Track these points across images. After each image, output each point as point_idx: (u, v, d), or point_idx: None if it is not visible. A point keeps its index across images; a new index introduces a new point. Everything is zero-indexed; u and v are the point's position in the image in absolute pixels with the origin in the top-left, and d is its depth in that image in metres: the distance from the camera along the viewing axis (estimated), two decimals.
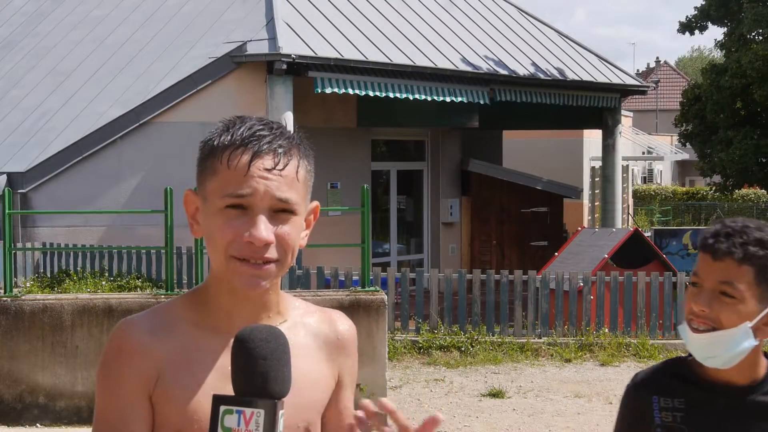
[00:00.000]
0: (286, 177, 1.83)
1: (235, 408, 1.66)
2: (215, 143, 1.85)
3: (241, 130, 1.84)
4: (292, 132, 1.91)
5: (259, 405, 1.66)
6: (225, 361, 1.80)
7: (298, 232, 1.86)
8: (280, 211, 1.83)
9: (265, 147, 1.82)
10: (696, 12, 23.27)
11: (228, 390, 1.74)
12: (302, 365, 1.87)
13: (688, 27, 23.53)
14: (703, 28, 23.52)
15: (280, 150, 1.83)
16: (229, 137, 1.84)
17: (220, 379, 1.82)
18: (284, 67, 14.74)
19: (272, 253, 1.81)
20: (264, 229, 1.80)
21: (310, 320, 1.98)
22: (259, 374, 1.66)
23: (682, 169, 55.09)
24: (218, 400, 1.67)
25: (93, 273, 14.23)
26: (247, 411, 1.66)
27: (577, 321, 13.28)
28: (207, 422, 1.72)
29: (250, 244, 1.80)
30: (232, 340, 1.79)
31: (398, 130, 19.41)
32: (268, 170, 1.81)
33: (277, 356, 1.68)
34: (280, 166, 1.82)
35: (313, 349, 1.96)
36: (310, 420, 1.92)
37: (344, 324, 2.03)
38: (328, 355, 1.97)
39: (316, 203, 1.96)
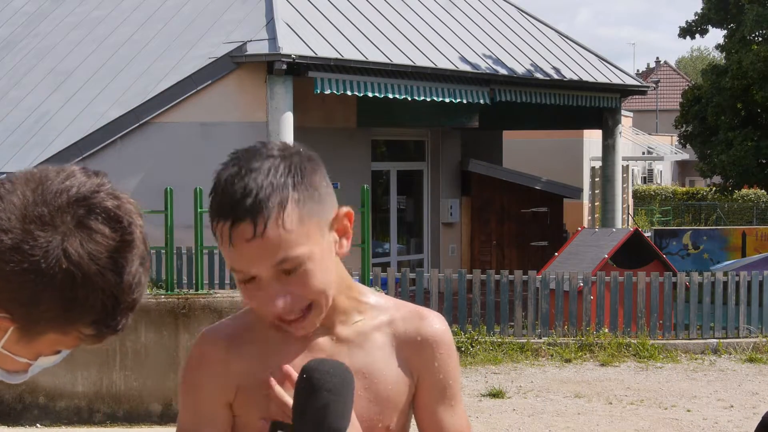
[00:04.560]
0: (273, 238, 1.66)
1: None
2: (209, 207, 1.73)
3: (217, 192, 1.69)
4: (285, 150, 1.72)
5: None
6: (302, 365, 1.79)
7: (321, 268, 1.73)
8: (287, 271, 1.70)
9: (240, 214, 1.65)
10: (696, 17, 23.36)
11: None
12: (379, 364, 1.86)
13: (688, 31, 23.62)
14: (703, 32, 23.61)
15: (255, 211, 1.64)
16: (210, 202, 1.70)
17: None
18: (284, 67, 14.73)
19: (303, 304, 1.74)
20: (282, 302, 1.71)
21: (393, 318, 1.91)
22: (322, 406, 1.65)
23: (682, 169, 55.09)
24: (275, 426, 1.71)
25: None
26: None
27: (577, 321, 13.27)
28: None
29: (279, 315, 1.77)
30: (309, 343, 1.83)
31: (398, 130, 19.41)
32: (249, 241, 1.65)
33: (339, 390, 1.67)
34: (259, 233, 1.65)
35: (389, 349, 1.89)
36: (388, 420, 1.89)
37: (432, 325, 1.91)
38: (405, 356, 1.90)
39: (345, 210, 1.80)
